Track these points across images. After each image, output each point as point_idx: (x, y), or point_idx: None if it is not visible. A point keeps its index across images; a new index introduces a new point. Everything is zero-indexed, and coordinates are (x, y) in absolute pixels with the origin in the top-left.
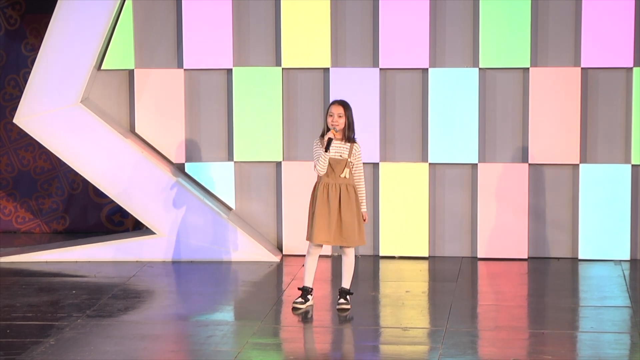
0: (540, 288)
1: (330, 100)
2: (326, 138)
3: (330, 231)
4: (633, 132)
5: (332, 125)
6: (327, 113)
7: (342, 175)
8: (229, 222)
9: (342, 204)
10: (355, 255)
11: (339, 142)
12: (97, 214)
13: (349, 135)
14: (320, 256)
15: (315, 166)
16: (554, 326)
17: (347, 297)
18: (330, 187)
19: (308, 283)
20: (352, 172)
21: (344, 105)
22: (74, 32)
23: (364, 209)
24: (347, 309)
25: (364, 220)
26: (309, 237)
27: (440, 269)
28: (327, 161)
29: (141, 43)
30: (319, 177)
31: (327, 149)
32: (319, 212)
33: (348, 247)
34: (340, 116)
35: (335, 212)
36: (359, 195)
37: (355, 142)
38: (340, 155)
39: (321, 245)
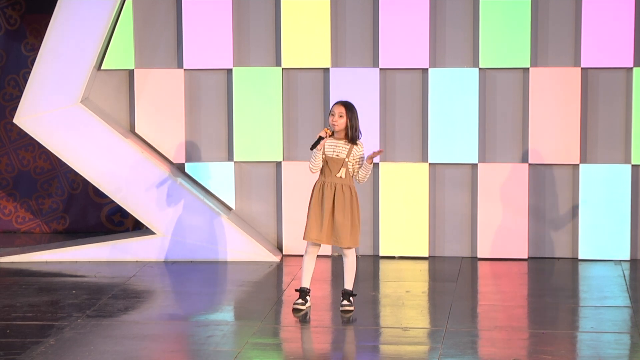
0: (540, 288)
1: (333, 101)
2: (317, 136)
3: (323, 230)
4: (633, 132)
5: (332, 124)
6: (330, 112)
7: (338, 175)
8: (228, 222)
9: (335, 203)
10: (356, 255)
11: (340, 141)
12: (97, 214)
13: (352, 135)
14: (320, 256)
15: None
16: (554, 326)
17: (350, 298)
18: (326, 186)
19: (305, 284)
20: (352, 173)
21: (347, 105)
22: (74, 32)
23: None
24: (351, 311)
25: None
26: (303, 235)
27: (440, 269)
28: (318, 159)
29: (141, 43)
30: (319, 176)
31: (313, 146)
32: (313, 210)
33: (342, 247)
34: (340, 116)
35: (329, 211)
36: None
37: (357, 144)
38: (337, 155)
39: (318, 245)
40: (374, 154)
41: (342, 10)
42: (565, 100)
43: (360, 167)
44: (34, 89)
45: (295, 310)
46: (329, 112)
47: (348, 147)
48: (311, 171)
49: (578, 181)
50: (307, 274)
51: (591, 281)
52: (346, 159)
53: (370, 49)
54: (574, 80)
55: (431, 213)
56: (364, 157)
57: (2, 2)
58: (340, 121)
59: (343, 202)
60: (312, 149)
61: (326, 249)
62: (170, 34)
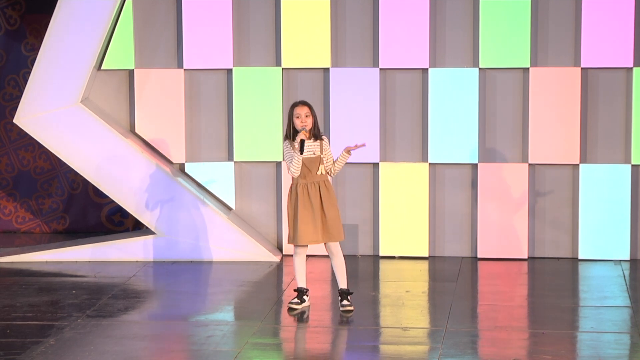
0: (540, 288)
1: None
2: (298, 140)
3: (317, 230)
4: (633, 132)
5: (302, 126)
6: (291, 115)
7: (319, 173)
8: (228, 222)
9: (323, 201)
10: (356, 255)
11: (309, 140)
12: (97, 214)
13: (315, 133)
14: (321, 256)
15: (288, 169)
16: (554, 326)
17: (349, 297)
18: (310, 187)
19: (301, 284)
20: (325, 166)
21: (309, 105)
22: (74, 32)
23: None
24: (351, 310)
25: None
26: (293, 240)
27: (440, 269)
28: (300, 163)
29: (141, 43)
30: (295, 179)
31: (301, 151)
32: (303, 213)
33: (334, 243)
34: (307, 116)
35: (319, 210)
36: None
37: (323, 139)
38: (314, 153)
39: (306, 245)
40: (356, 147)
41: (342, 10)
42: (565, 100)
43: (334, 162)
44: (34, 89)
45: (290, 309)
46: (289, 116)
47: (318, 143)
48: (293, 175)
49: (578, 181)
50: (302, 274)
51: (591, 281)
52: (321, 155)
53: (370, 49)
54: (574, 80)
55: (431, 213)
56: (331, 149)
57: (2, 2)
58: (308, 121)
59: (329, 197)
60: (301, 153)
61: (318, 249)
62: (170, 34)
